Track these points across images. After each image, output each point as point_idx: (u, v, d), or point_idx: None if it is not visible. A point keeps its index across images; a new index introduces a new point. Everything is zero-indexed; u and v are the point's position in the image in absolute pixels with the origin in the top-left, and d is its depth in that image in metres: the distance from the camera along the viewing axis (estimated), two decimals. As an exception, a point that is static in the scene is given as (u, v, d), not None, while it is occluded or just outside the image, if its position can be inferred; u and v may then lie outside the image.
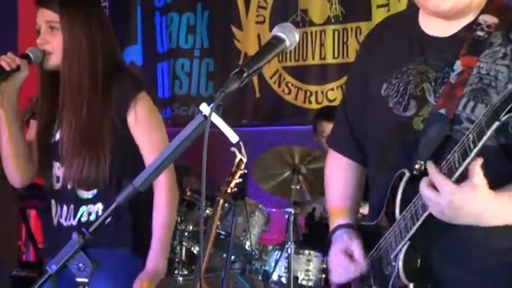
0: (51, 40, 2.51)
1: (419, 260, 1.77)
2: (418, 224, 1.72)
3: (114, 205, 1.61)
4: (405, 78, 1.87)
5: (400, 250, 1.78)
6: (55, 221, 2.61)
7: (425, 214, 1.70)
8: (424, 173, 1.71)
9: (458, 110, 1.74)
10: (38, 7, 2.55)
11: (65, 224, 2.57)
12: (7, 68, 2.39)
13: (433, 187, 1.64)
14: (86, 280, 1.61)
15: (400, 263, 1.77)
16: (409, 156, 1.79)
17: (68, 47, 2.50)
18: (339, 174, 2.13)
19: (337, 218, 2.06)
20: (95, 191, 2.54)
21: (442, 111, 1.76)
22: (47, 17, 2.52)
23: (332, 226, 2.06)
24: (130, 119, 2.52)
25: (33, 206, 5.72)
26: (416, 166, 1.76)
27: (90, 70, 2.51)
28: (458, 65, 1.79)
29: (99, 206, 2.55)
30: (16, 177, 2.64)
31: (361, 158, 2.08)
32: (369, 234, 1.95)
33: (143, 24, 6.60)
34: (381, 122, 1.92)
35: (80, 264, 1.59)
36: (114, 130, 2.51)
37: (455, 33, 1.84)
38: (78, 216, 2.55)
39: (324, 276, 4.36)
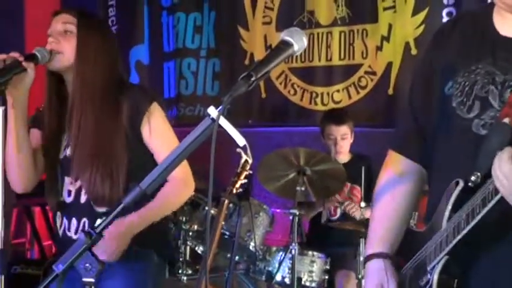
0: (63, 42, 2.49)
1: (456, 280, 1.68)
2: (458, 237, 1.62)
3: (121, 206, 1.61)
4: (472, 78, 1.77)
5: (438, 263, 1.68)
6: (60, 232, 2.57)
7: (468, 228, 1.60)
8: (480, 186, 1.62)
9: None
10: (55, 15, 2.54)
11: (74, 237, 2.49)
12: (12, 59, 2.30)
13: None
14: (92, 280, 1.62)
15: (435, 277, 1.68)
16: (467, 162, 1.69)
17: (82, 52, 2.47)
18: (389, 201, 2.00)
19: (372, 245, 1.97)
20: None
21: (506, 120, 1.63)
22: (64, 18, 2.51)
23: (366, 252, 1.99)
24: (145, 132, 2.52)
25: (37, 203, 5.72)
26: (473, 178, 1.66)
27: (103, 79, 2.48)
28: None
29: None
30: (18, 183, 2.57)
31: (423, 159, 1.96)
32: (416, 240, 1.85)
33: (150, 24, 6.60)
34: (442, 121, 1.82)
35: (87, 265, 1.60)
36: (129, 147, 2.49)
37: None
38: None
39: (327, 277, 4.38)
